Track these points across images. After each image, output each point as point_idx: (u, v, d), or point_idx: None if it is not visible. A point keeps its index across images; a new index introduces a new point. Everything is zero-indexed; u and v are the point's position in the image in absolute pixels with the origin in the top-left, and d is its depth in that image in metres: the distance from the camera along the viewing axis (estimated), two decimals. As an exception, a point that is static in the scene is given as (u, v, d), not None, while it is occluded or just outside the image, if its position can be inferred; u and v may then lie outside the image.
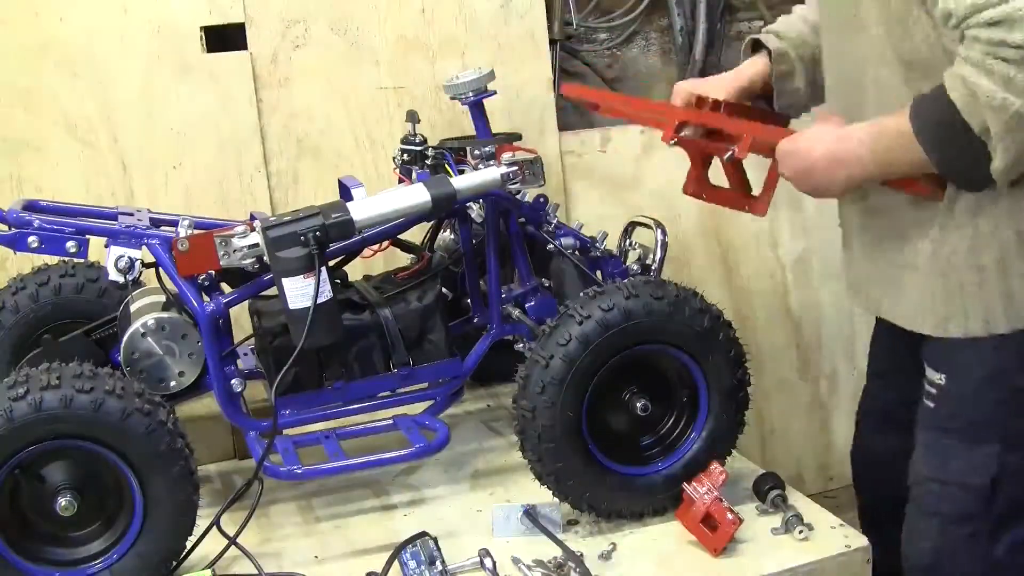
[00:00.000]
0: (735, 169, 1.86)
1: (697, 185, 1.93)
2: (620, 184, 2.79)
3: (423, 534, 1.75)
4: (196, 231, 1.81)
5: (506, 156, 1.89)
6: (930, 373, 1.71)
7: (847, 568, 1.73)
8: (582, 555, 1.73)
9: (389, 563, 1.72)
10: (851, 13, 1.65)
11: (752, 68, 1.97)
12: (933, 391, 1.70)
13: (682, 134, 1.83)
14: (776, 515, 1.82)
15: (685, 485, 1.78)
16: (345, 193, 1.97)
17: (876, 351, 2.05)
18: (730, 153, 1.77)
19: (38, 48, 2.33)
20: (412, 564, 1.70)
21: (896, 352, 1.89)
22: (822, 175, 1.66)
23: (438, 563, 1.70)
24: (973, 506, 1.67)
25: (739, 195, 1.89)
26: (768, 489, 1.85)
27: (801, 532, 1.76)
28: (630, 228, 2.14)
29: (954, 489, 1.68)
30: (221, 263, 1.79)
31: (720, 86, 1.94)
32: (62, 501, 1.65)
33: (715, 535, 1.72)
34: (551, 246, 2.05)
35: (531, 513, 1.80)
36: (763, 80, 1.96)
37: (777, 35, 1.95)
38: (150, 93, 2.41)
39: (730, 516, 1.72)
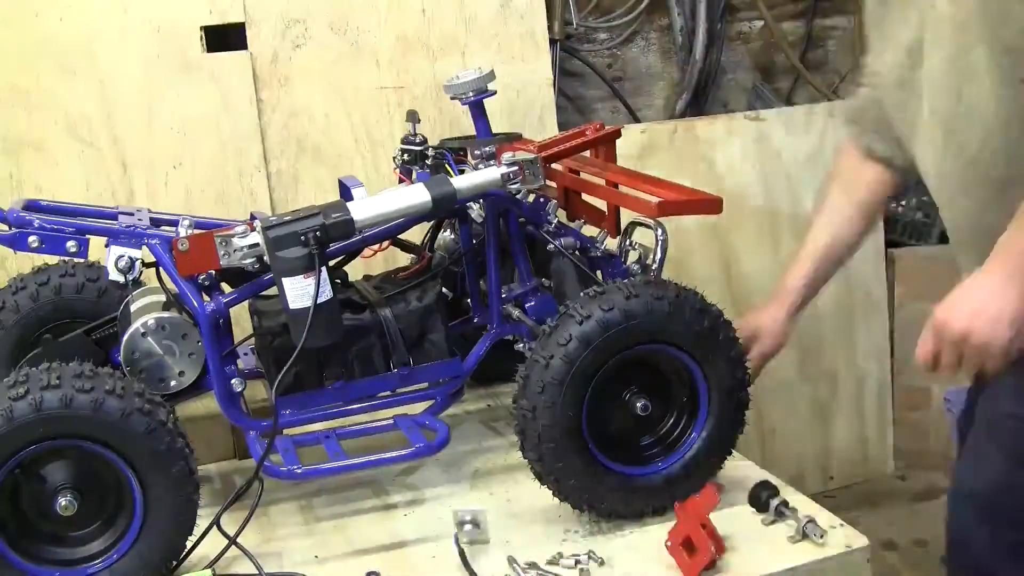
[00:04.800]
0: None
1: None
2: (620, 184, 2.79)
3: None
4: (196, 231, 1.81)
5: (506, 156, 1.89)
6: None
7: (847, 568, 1.73)
8: (590, 553, 1.74)
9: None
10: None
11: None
12: None
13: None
14: (782, 522, 1.81)
15: (677, 505, 1.74)
16: (345, 193, 1.97)
17: None
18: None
19: (38, 48, 2.33)
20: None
21: None
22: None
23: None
24: None
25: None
26: (767, 498, 1.83)
27: (822, 537, 1.73)
28: (630, 228, 2.14)
29: None
30: (221, 263, 1.79)
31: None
32: (62, 501, 1.65)
33: (692, 561, 1.67)
34: (551, 246, 2.05)
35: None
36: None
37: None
38: (150, 93, 2.41)
39: (712, 547, 1.66)
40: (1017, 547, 1.69)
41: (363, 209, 1.77)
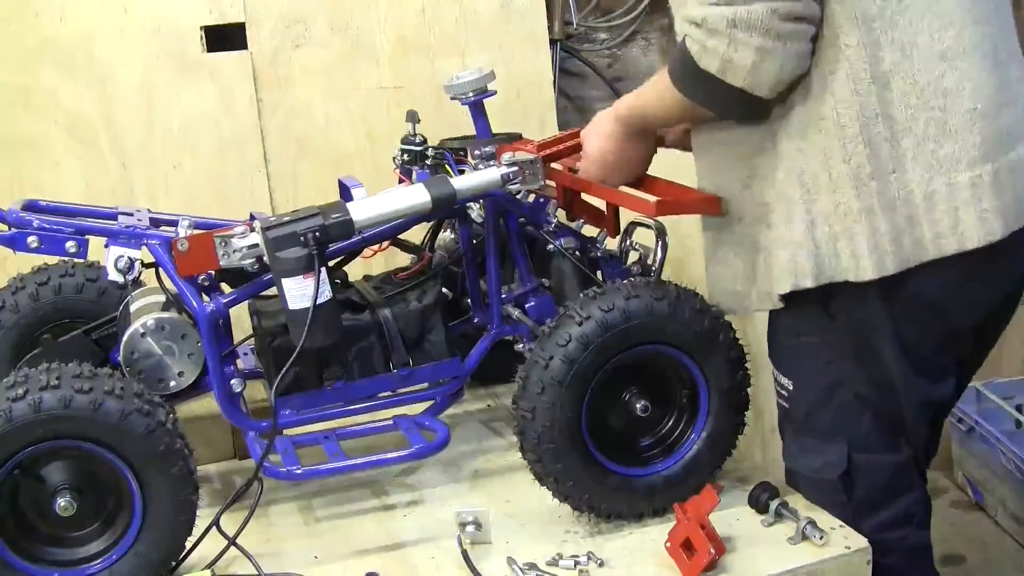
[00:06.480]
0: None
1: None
2: (620, 184, 2.79)
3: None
4: (196, 231, 1.81)
5: (506, 156, 1.89)
6: (778, 376, 1.86)
7: (847, 568, 1.73)
8: (590, 554, 1.74)
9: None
10: None
11: None
12: (784, 393, 1.85)
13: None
14: (782, 523, 1.81)
15: (676, 506, 1.75)
16: (345, 193, 1.97)
17: None
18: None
19: (38, 48, 2.33)
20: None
21: None
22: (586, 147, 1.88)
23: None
24: (832, 496, 1.82)
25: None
26: (767, 499, 1.83)
27: (822, 538, 1.74)
28: (630, 228, 2.14)
29: (814, 481, 1.85)
30: (221, 263, 1.79)
31: None
32: (61, 501, 1.65)
33: (691, 562, 1.67)
34: (551, 246, 2.05)
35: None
36: None
37: None
38: (150, 93, 2.41)
39: (711, 548, 1.66)
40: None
41: (363, 209, 1.77)
